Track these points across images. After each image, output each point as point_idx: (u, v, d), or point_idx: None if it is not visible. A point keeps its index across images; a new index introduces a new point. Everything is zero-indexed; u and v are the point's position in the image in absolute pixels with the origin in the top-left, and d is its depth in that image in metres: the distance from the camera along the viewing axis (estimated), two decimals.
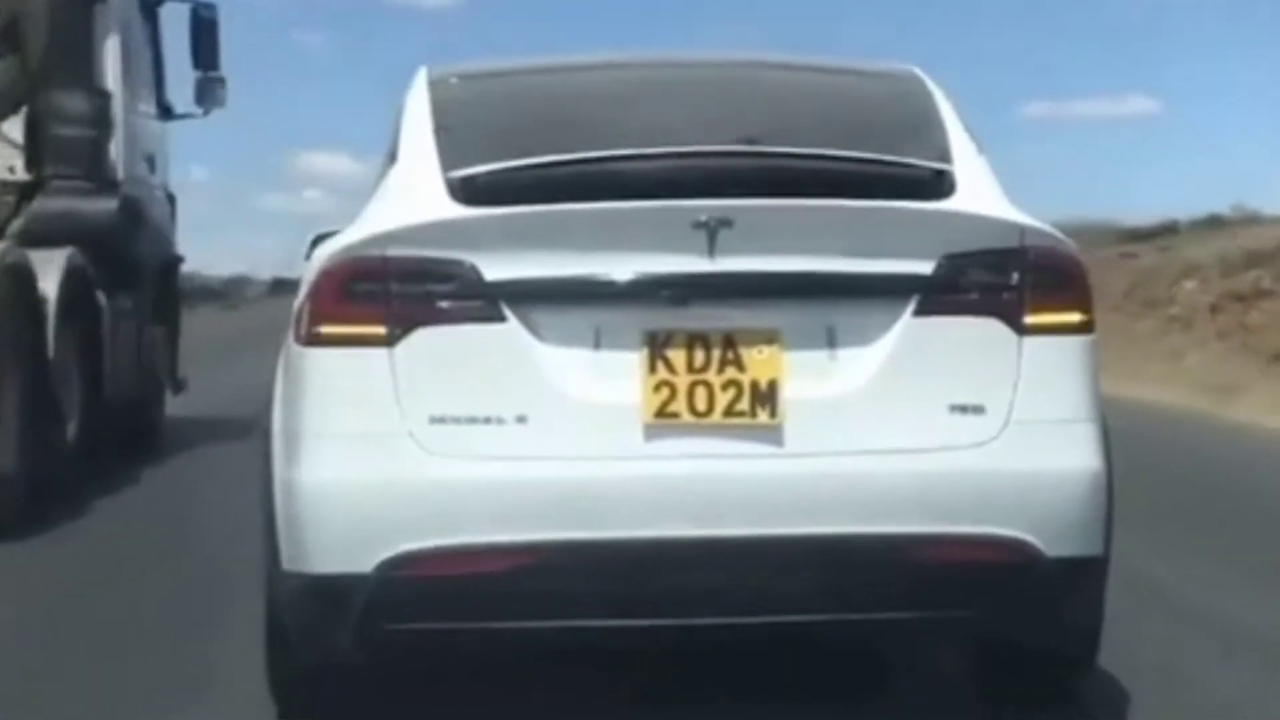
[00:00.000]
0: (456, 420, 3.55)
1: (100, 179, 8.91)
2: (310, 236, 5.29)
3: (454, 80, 4.42)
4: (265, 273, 40.04)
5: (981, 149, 4.15)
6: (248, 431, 4.61)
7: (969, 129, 4.21)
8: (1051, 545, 3.64)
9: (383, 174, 4.26)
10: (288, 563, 3.70)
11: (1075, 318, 3.77)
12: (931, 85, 4.44)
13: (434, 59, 4.52)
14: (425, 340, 3.57)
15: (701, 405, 3.57)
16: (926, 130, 4.14)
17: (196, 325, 14.34)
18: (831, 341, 3.63)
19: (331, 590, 3.60)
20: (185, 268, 12.15)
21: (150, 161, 10.23)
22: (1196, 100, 58.46)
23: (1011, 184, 4.04)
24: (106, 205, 8.90)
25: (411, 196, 3.83)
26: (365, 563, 3.52)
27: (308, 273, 3.93)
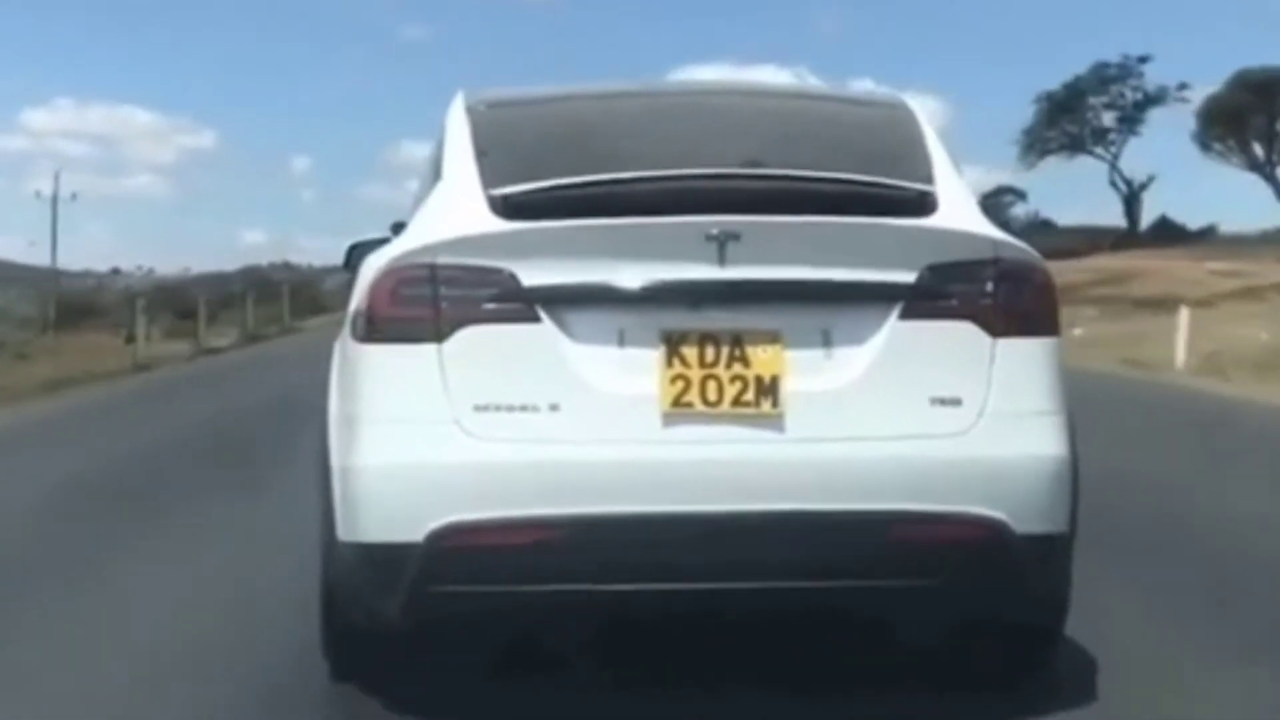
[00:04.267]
0: (497, 408, 3.97)
1: None
2: (347, 244, 5.80)
3: (488, 106, 4.87)
4: None
5: (960, 171, 4.61)
6: None
7: (949, 152, 4.66)
8: (1021, 523, 4.04)
9: (425, 190, 4.71)
10: (344, 534, 4.11)
11: (1043, 322, 4.20)
12: (916, 111, 4.88)
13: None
14: (469, 338, 4.00)
15: (712, 396, 4.00)
16: (912, 153, 4.56)
17: None
18: (827, 341, 4.06)
19: (385, 557, 4.00)
20: (283, 258, 11.91)
21: None
22: None
23: None
24: None
25: (457, 211, 4.26)
26: (416, 532, 3.93)
27: (362, 278, 4.37)
